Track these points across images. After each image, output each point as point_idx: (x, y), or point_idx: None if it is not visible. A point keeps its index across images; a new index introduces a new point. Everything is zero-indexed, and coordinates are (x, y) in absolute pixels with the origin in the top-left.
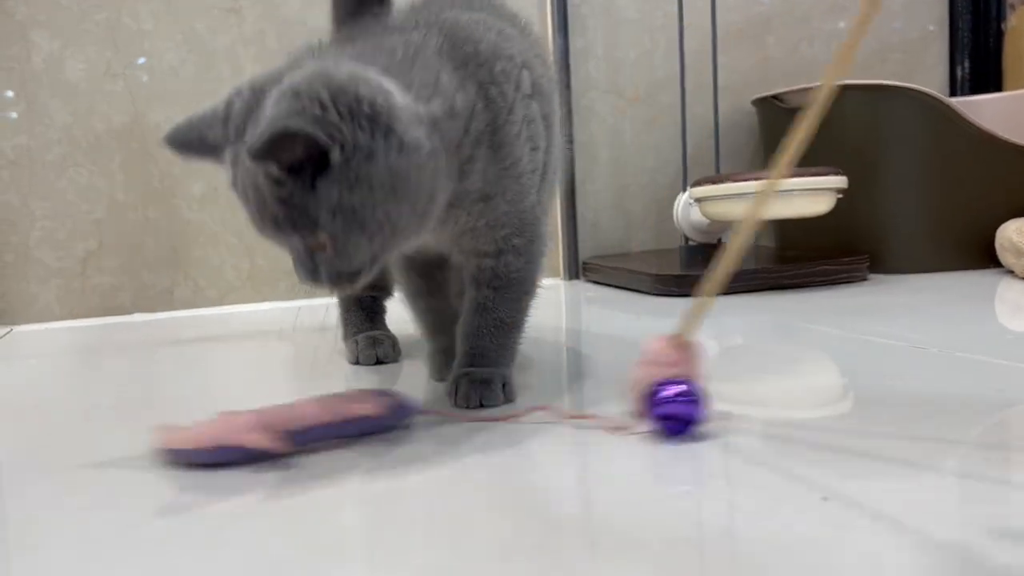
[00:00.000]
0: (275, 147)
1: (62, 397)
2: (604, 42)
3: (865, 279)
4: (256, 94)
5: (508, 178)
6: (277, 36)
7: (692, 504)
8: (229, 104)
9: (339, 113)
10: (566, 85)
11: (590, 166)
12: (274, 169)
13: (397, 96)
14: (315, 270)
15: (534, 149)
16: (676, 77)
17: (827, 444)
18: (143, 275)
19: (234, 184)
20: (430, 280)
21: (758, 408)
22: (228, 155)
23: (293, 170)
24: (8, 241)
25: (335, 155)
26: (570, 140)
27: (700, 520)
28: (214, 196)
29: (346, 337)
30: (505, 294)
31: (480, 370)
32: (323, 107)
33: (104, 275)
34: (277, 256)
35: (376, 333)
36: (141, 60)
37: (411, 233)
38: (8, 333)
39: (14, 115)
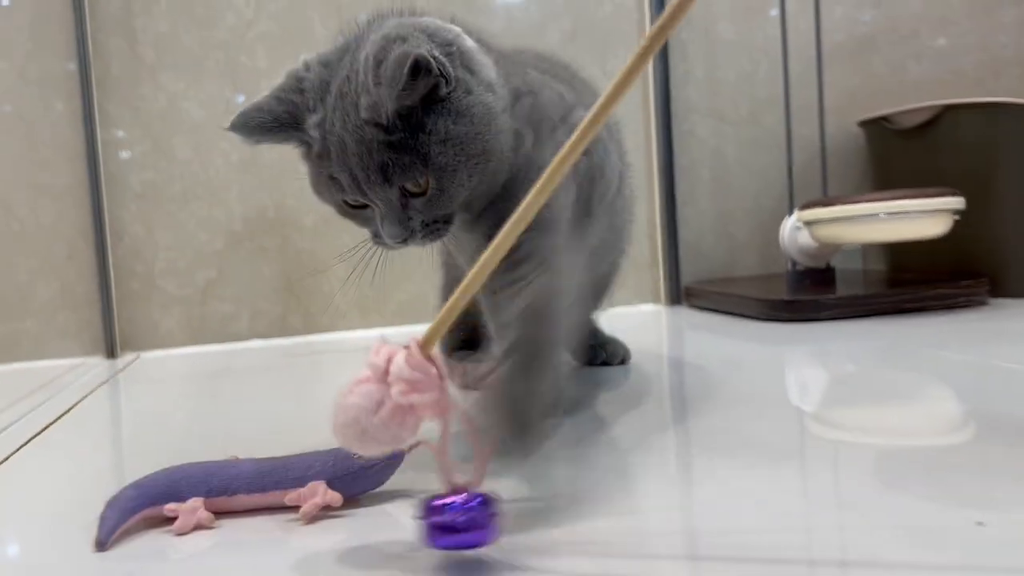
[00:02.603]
0: (407, 78)
1: (191, 420)
2: (704, 65)
3: (985, 303)
4: (328, 67)
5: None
6: None
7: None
8: (298, 79)
9: (441, 51)
10: (665, 109)
11: (691, 189)
12: (388, 111)
13: (471, 42)
14: (408, 222)
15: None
16: (778, 98)
17: (947, 472)
18: (258, 303)
19: (321, 152)
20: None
21: (873, 436)
22: (312, 123)
23: (401, 115)
24: (134, 270)
25: (443, 88)
26: (670, 164)
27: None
28: (325, 227)
29: (449, 360)
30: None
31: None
32: (429, 46)
33: (222, 303)
34: (384, 284)
35: (479, 356)
36: (240, 98)
37: (494, 175)
38: (136, 359)
39: (138, 152)
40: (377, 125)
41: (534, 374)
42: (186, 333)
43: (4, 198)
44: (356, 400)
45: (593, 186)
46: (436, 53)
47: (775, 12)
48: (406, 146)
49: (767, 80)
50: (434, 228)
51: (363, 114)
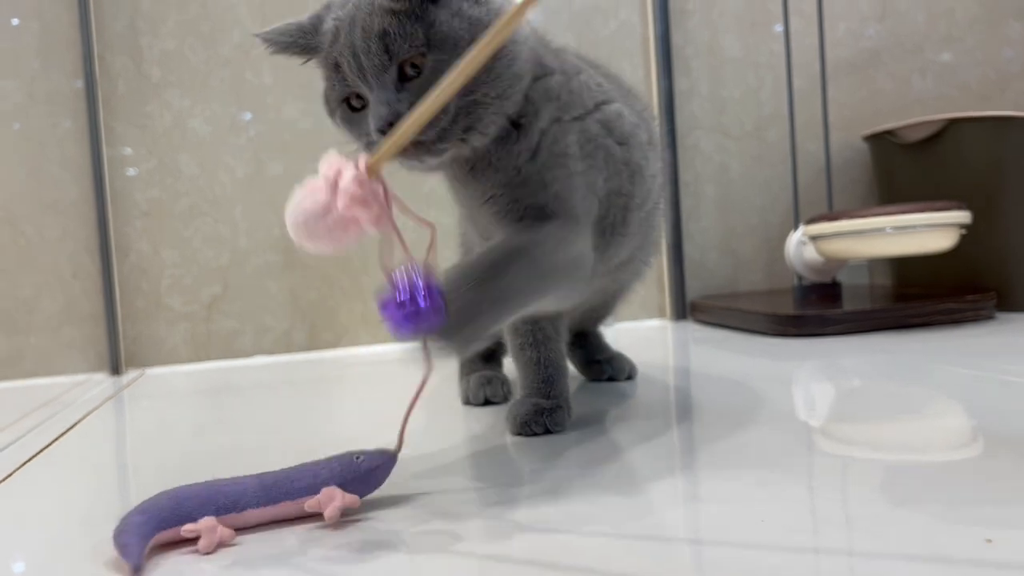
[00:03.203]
0: None
1: (195, 438)
2: (708, 81)
3: (992, 317)
4: None
5: (554, 159)
6: None
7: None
8: (328, 1)
9: None
10: (670, 125)
11: (696, 205)
12: None
13: None
14: (397, 104)
15: (591, 165)
16: (783, 114)
17: (958, 488)
18: (263, 319)
19: (331, 41)
20: (537, 329)
21: (881, 451)
22: (330, 18)
23: None
24: (140, 288)
25: None
26: (675, 180)
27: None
28: None
29: (461, 377)
30: None
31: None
32: None
33: (227, 319)
34: None
35: (488, 373)
36: (247, 116)
37: (497, 91)
38: (141, 376)
39: (145, 170)
40: None
41: (490, 283)
42: (191, 349)
43: (11, 215)
44: (308, 206)
45: (633, 187)
46: None
47: (779, 28)
48: (412, 14)
49: (772, 95)
50: (434, 131)
51: None
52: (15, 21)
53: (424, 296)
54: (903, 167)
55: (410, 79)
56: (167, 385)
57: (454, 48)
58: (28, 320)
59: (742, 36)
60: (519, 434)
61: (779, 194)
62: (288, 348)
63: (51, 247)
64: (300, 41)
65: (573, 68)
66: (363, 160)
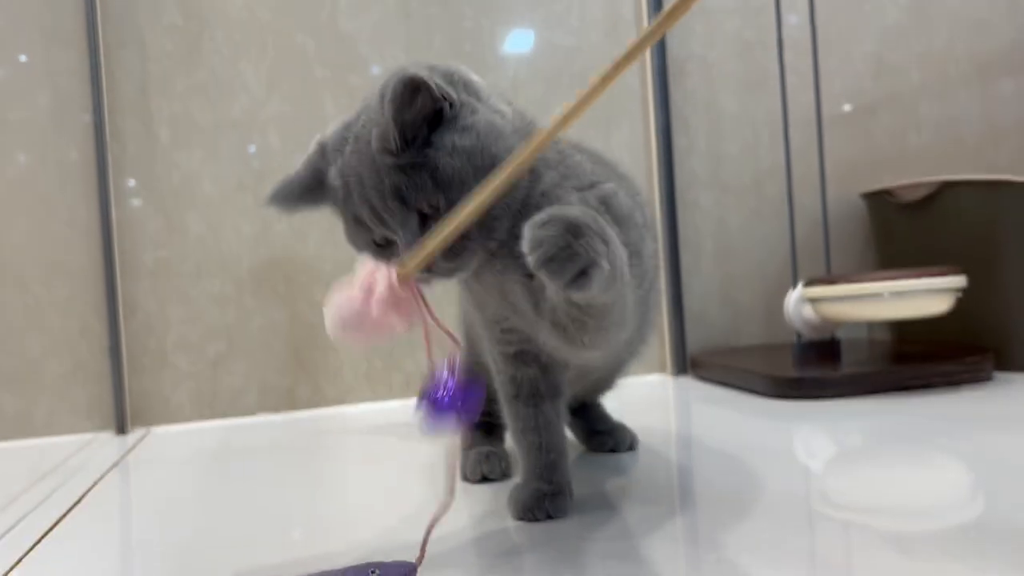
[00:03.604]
0: (405, 96)
1: (203, 513)
2: (707, 138)
3: (990, 378)
4: (348, 127)
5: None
6: None
7: None
8: (320, 145)
9: (443, 80)
10: (669, 181)
11: (696, 259)
12: (394, 134)
13: (479, 79)
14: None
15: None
16: (780, 168)
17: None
18: (267, 376)
19: (344, 196)
20: (539, 413)
21: (879, 518)
22: (332, 173)
23: (408, 141)
24: (146, 346)
25: (447, 109)
26: (674, 234)
27: None
28: None
29: (462, 452)
30: None
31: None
32: (430, 74)
33: (232, 376)
34: (391, 355)
35: (487, 449)
36: (254, 176)
37: (507, 192)
38: (147, 435)
39: (153, 229)
40: (387, 152)
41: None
42: (196, 407)
43: (20, 274)
44: (346, 314)
45: (631, 267)
46: (437, 80)
47: (776, 84)
48: (416, 165)
49: (769, 151)
50: (455, 251)
51: (374, 145)
52: (24, 58)
53: (458, 398)
54: (900, 225)
55: (430, 216)
56: (172, 447)
57: (461, 184)
58: (36, 379)
59: (739, 94)
60: (521, 519)
61: (777, 248)
62: (292, 405)
63: (59, 307)
64: (307, 198)
65: (567, 149)
66: (396, 271)
